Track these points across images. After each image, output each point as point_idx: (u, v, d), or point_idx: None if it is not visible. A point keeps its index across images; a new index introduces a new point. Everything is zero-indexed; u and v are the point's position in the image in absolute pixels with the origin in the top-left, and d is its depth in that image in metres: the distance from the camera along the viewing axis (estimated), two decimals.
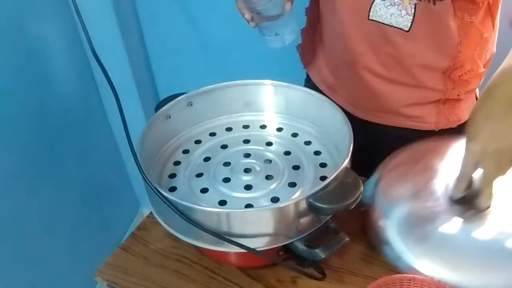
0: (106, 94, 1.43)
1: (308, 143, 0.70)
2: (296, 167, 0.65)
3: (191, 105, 0.72)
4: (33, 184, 1.17)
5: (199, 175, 0.65)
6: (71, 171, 1.33)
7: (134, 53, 1.38)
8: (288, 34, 0.73)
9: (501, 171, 0.57)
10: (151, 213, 0.66)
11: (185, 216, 0.52)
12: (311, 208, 0.53)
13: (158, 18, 1.36)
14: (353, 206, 0.54)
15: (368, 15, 0.71)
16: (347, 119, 0.63)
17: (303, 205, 0.53)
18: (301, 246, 0.55)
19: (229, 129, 0.74)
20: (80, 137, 1.37)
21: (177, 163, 0.68)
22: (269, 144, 0.71)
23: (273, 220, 0.53)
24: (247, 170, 0.65)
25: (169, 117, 0.70)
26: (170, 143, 0.71)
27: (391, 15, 0.69)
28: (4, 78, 1.05)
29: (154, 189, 0.54)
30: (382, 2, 0.69)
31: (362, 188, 0.54)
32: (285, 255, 0.58)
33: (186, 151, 0.70)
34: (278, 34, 0.73)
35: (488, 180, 0.58)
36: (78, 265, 1.31)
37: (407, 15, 0.68)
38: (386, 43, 0.72)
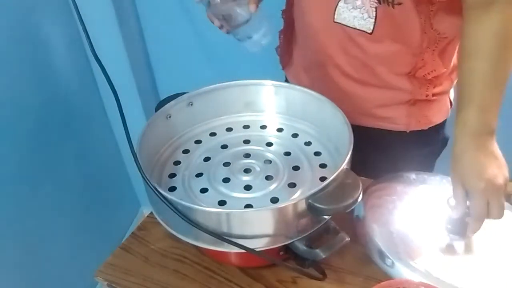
0: (107, 94, 1.43)
1: (308, 143, 0.71)
2: (296, 168, 0.65)
3: (191, 105, 0.72)
4: (33, 184, 1.17)
5: (199, 175, 0.65)
6: (72, 171, 1.33)
7: (135, 53, 1.38)
8: (262, 37, 0.73)
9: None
10: (151, 213, 0.66)
11: (185, 216, 0.53)
12: (311, 209, 0.53)
13: (159, 18, 1.36)
14: (353, 207, 0.54)
15: (334, 18, 0.71)
16: (347, 120, 0.63)
17: (303, 205, 0.53)
18: (301, 246, 0.55)
19: (229, 129, 0.74)
20: (81, 137, 1.37)
21: (177, 163, 0.68)
22: (269, 144, 0.71)
23: (273, 221, 0.53)
24: (247, 171, 0.65)
25: (170, 117, 0.70)
26: (170, 143, 0.71)
27: (354, 18, 0.70)
28: (5, 78, 1.05)
29: (154, 189, 0.54)
30: (345, 5, 0.70)
31: (361, 189, 0.54)
32: (286, 255, 0.58)
33: (186, 151, 0.70)
34: (250, 37, 0.72)
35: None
36: (78, 265, 1.31)
37: (369, 18, 0.69)
38: (352, 45, 0.73)
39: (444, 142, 0.85)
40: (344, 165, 0.56)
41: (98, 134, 1.47)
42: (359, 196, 0.54)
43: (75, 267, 1.33)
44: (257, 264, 0.64)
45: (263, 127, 0.75)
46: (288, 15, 0.85)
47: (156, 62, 1.47)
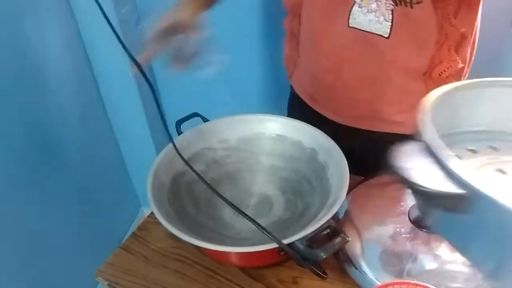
0: (107, 94, 1.42)
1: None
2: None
3: None
4: (34, 184, 1.17)
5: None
6: (72, 171, 1.33)
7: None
8: (215, 64, 0.70)
9: None
10: (152, 213, 0.66)
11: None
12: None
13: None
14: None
15: (348, 23, 0.70)
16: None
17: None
18: (302, 246, 0.55)
19: None
20: (81, 137, 1.37)
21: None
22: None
23: None
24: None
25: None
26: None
27: (369, 22, 0.69)
28: (4, 78, 1.05)
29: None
30: (360, 9, 0.69)
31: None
32: (286, 255, 0.57)
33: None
34: (203, 65, 0.70)
35: None
36: (79, 265, 1.31)
37: (385, 21, 0.67)
38: (368, 49, 0.72)
39: None
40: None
41: (98, 134, 1.47)
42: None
43: (75, 267, 1.32)
44: (257, 264, 0.64)
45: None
46: (292, 25, 0.84)
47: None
